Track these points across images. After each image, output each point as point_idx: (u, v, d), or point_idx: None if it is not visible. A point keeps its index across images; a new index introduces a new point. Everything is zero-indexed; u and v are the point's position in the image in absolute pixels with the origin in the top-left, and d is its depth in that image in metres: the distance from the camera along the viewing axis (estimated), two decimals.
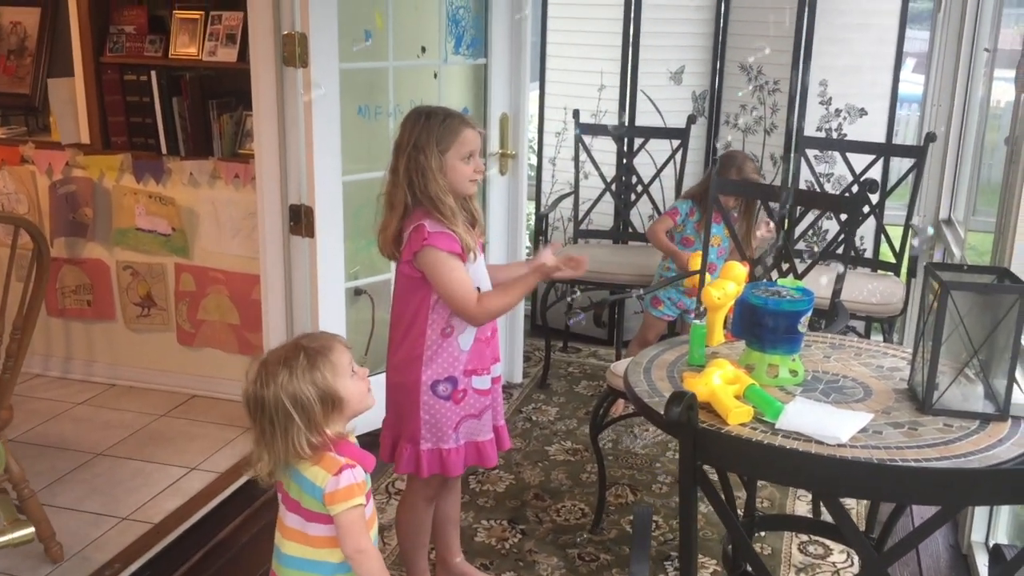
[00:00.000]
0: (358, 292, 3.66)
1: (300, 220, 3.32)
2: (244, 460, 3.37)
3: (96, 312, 4.02)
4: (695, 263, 3.36)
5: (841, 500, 1.41)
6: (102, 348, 4.07)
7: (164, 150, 3.76)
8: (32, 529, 1.19)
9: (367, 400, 1.97)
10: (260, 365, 1.89)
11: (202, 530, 3.03)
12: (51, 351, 4.13)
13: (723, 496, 2.66)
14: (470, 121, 2.37)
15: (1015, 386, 1.97)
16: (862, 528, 2.89)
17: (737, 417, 1.90)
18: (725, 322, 2.36)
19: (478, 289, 2.35)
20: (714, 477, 2.80)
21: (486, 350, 2.41)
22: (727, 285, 2.33)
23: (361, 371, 1.97)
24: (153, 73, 3.69)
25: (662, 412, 1.96)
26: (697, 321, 2.28)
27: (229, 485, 3.24)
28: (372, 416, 2.32)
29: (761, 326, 2.10)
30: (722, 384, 1.96)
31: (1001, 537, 2.90)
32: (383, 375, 3.59)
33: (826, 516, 3.05)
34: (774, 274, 3.14)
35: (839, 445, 1.82)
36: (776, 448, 1.66)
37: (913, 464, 1.73)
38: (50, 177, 3.91)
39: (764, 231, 3.56)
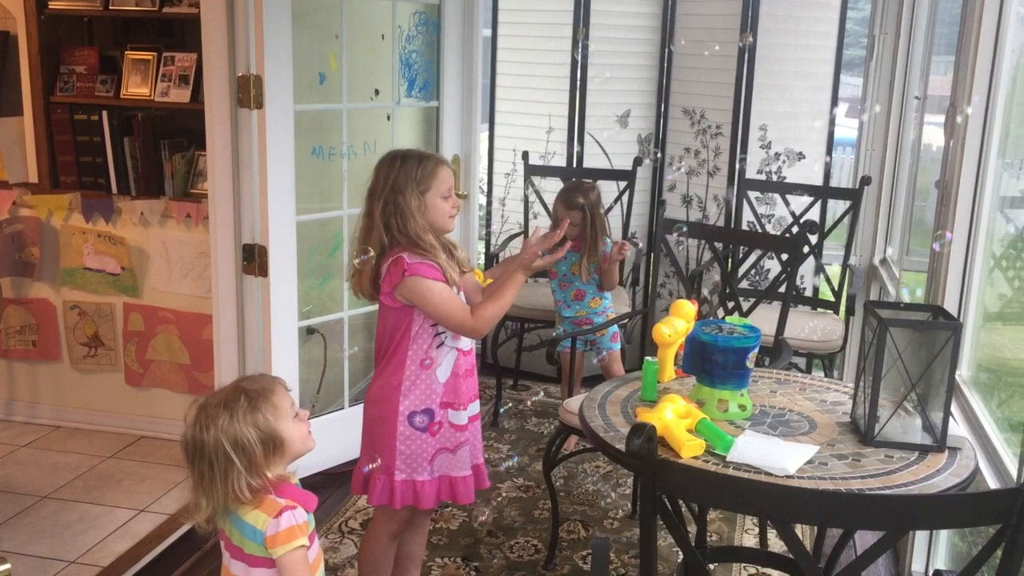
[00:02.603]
0: (310, 331, 3.67)
1: (254, 259, 3.33)
2: (184, 508, 3.35)
3: (41, 352, 3.97)
4: None
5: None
6: (47, 389, 4.00)
7: (115, 190, 3.75)
8: (8, 566, 1.20)
9: (308, 442, 1.96)
10: (199, 409, 1.88)
11: (152, 573, 2.99)
12: None
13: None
14: (444, 160, 2.46)
15: (951, 419, 2.07)
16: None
17: (690, 450, 1.96)
18: (676, 359, 2.43)
19: None
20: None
21: (462, 385, 2.44)
22: (677, 323, 2.41)
23: (303, 413, 1.97)
24: (104, 113, 3.69)
25: (618, 447, 2.02)
26: (649, 358, 2.34)
27: (179, 527, 3.20)
28: (314, 458, 2.35)
29: (711, 362, 2.17)
30: (675, 418, 2.02)
31: (940, 565, 3.00)
32: (335, 413, 3.63)
33: (772, 548, 3.12)
34: (720, 312, 3.23)
35: (787, 476, 1.89)
36: (735, 478, 1.72)
37: (866, 492, 1.81)
38: None
39: (616, 252, 3.69)
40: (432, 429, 2.43)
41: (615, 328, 3.82)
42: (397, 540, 2.57)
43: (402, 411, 2.40)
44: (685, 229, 3.14)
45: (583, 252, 3.76)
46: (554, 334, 3.87)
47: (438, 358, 2.41)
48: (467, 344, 2.46)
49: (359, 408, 3.66)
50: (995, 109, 2.67)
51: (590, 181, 3.99)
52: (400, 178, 2.36)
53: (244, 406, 1.86)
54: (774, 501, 1.37)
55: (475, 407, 2.51)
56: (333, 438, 3.39)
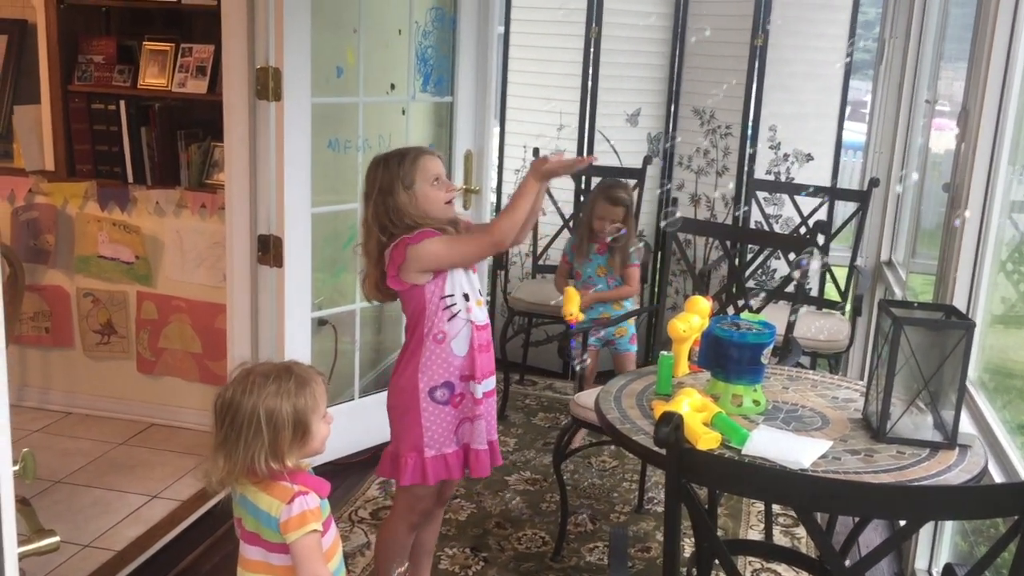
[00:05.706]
0: (322, 322, 3.71)
1: (269, 250, 3.37)
2: (203, 491, 3.39)
3: (54, 339, 4.00)
4: (568, 297, 3.53)
5: (793, 530, 1.51)
6: (59, 375, 4.04)
7: (130, 179, 3.77)
8: (57, 538, 1.22)
9: (323, 446, 1.97)
10: (245, 372, 1.90)
11: (165, 558, 3.02)
12: None
13: (687, 522, 2.76)
14: (425, 149, 2.49)
15: (961, 416, 2.11)
16: (814, 555, 2.99)
17: (706, 443, 2.00)
18: (690, 354, 2.47)
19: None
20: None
21: (478, 359, 2.46)
22: (692, 319, 2.44)
23: (329, 416, 1.99)
24: (122, 102, 3.72)
25: (635, 438, 2.06)
26: (665, 352, 2.38)
27: (192, 513, 3.24)
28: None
29: (727, 357, 2.21)
30: (691, 412, 2.06)
31: (943, 563, 3.03)
32: (345, 404, 3.66)
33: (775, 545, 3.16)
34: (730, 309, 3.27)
35: (802, 470, 1.93)
36: (761, 467, 1.76)
37: (893, 483, 1.85)
38: (12, 203, 3.90)
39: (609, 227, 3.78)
40: (454, 401, 2.45)
41: (633, 330, 3.86)
42: (415, 531, 2.60)
43: (422, 388, 2.42)
44: (678, 215, 3.23)
45: (614, 253, 3.80)
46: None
47: (451, 331, 2.42)
48: (481, 318, 2.47)
49: (368, 399, 3.72)
50: (1007, 111, 2.70)
51: (625, 181, 4.06)
52: (384, 180, 2.40)
53: (291, 386, 1.88)
54: (800, 490, 1.41)
55: (489, 383, 2.52)
56: (342, 429, 3.36)
